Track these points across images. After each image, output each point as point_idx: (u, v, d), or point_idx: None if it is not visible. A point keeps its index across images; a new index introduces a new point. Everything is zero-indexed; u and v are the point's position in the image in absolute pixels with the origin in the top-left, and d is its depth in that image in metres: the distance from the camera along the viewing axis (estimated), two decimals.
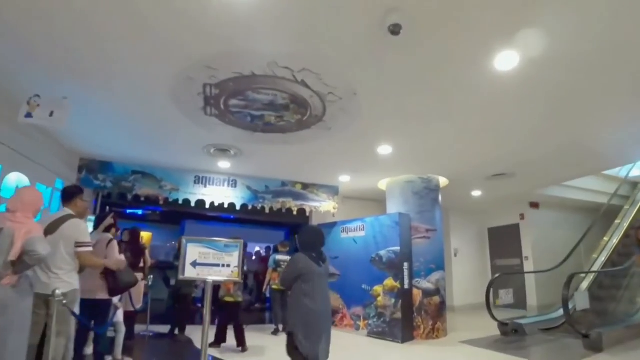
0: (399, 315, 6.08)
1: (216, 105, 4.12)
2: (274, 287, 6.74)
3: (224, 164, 6.29)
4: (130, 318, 5.34)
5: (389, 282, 6.30)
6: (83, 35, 2.98)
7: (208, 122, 4.55)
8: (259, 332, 6.71)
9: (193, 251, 3.07)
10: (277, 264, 6.79)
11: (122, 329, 4.54)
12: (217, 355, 5.08)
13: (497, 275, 6.67)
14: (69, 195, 3.52)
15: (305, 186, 7.30)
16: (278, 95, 3.88)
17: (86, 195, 6.22)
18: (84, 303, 3.76)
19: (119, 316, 4.51)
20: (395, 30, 2.68)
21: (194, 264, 3.06)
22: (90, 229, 4.70)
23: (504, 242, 10.44)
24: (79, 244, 3.22)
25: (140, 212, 12.19)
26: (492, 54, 3.13)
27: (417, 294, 6.32)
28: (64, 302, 3.05)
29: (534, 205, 9.99)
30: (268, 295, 7.76)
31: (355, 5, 2.58)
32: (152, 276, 6.22)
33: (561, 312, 7.01)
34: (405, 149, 5.47)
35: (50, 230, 3.22)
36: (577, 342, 5.66)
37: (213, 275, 3.06)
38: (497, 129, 4.75)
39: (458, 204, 9.79)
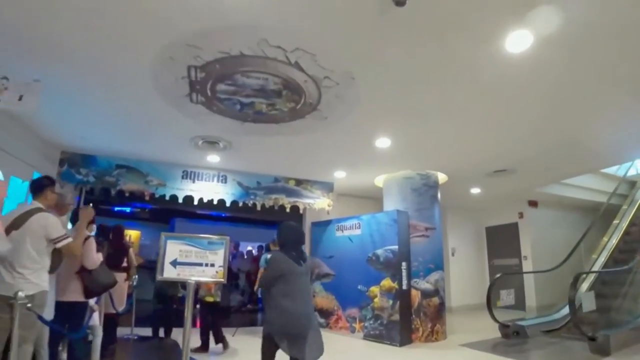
0: (396, 317, 5.79)
1: (202, 91, 3.80)
2: None
3: (213, 158, 5.96)
4: (112, 321, 5.02)
5: (387, 282, 6.01)
6: (54, 11, 2.65)
7: (194, 110, 4.23)
8: (250, 335, 6.42)
9: (173, 249, 2.75)
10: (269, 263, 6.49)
11: (99, 333, 4.22)
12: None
13: (498, 275, 6.42)
14: (38, 187, 3.21)
15: (298, 182, 6.99)
16: (269, 79, 3.57)
17: (67, 191, 5.96)
18: (57, 305, 3.47)
19: (95, 319, 4.18)
20: (400, 0, 2.38)
21: (174, 263, 2.75)
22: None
23: (502, 241, 10.23)
24: (55, 240, 2.94)
25: (128, 209, 11.84)
26: (504, 33, 2.86)
27: (415, 295, 6.04)
28: (28, 305, 2.74)
29: (533, 203, 9.80)
30: (260, 295, 7.45)
31: None
32: (136, 276, 5.89)
33: (563, 313, 6.86)
34: (405, 142, 5.19)
35: (15, 225, 2.92)
36: (581, 345, 5.43)
37: (196, 276, 2.75)
38: (501, 120, 4.51)
39: (456, 202, 9.53)
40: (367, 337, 6.15)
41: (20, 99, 3.50)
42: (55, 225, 3.01)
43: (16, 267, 2.80)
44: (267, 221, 10.10)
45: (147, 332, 5.98)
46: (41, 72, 3.49)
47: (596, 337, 5.11)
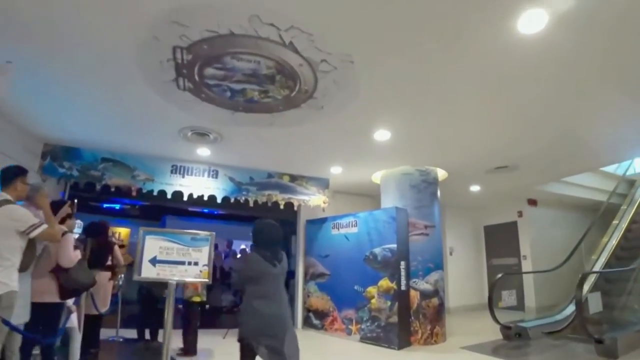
0: (395, 319, 5.54)
1: (189, 75, 3.52)
2: None
3: (203, 151, 5.67)
4: (94, 323, 4.72)
5: (384, 282, 5.76)
6: None
7: (182, 98, 3.94)
8: None
9: (152, 245, 2.48)
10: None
11: (77, 336, 3.94)
12: None
13: (500, 275, 6.19)
14: (6, 177, 2.94)
15: (293, 178, 6.71)
16: (262, 62, 3.30)
17: (50, 185, 5.65)
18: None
19: (73, 321, 3.88)
20: None
21: (154, 261, 2.47)
22: None
23: (500, 240, 10.03)
24: (28, 230, 2.69)
25: (117, 206, 11.49)
26: (518, 12, 2.61)
27: (414, 296, 5.80)
28: None
29: (532, 202, 9.61)
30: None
31: None
32: (122, 276, 5.60)
33: (565, 313, 6.66)
34: (405, 135, 4.94)
35: None
36: (586, 347, 5.26)
37: (177, 276, 2.47)
38: (506, 112, 4.30)
39: (454, 200, 9.30)
40: (364, 339, 5.89)
41: None
42: (24, 215, 2.74)
43: None
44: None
45: (133, 334, 5.69)
46: (13, 53, 3.21)
47: (603, 340, 4.90)
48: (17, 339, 3.18)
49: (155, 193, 5.96)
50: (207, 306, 7.38)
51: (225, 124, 4.61)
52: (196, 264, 2.52)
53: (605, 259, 7.80)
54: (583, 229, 8.49)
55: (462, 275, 9.80)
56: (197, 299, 4.85)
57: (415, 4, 2.54)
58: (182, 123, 4.66)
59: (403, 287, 5.69)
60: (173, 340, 5.07)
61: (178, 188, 6.03)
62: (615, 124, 4.61)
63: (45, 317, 3.32)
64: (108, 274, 4.89)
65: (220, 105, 4.09)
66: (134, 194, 5.94)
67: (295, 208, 6.82)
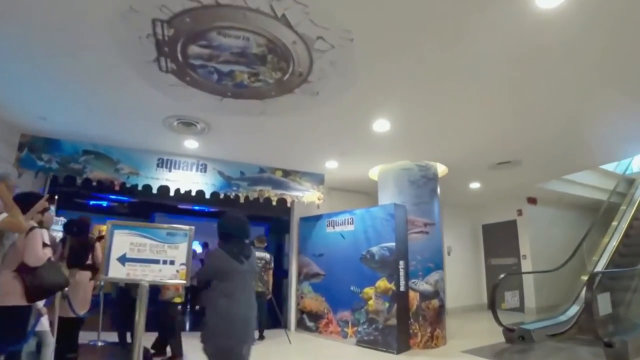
0: (393, 321, 5.24)
1: (172, 54, 3.19)
2: None
3: (190, 144, 5.33)
4: (71, 326, 4.39)
5: (382, 283, 5.46)
6: None
7: (165, 81, 3.61)
8: None
9: (122, 241, 2.15)
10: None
11: (50, 341, 3.59)
12: None
13: (502, 275, 5.91)
14: None
15: (286, 173, 6.39)
16: (251, 39, 2.98)
17: (28, 179, 5.29)
18: None
19: (44, 324, 3.54)
20: None
21: (123, 260, 2.14)
22: None
23: (499, 239, 9.79)
24: None
25: (105, 203, 11.07)
26: None
27: (413, 297, 5.50)
28: None
29: (532, 200, 9.39)
30: None
31: None
32: None
33: (569, 314, 6.42)
34: (405, 126, 4.64)
35: None
36: (593, 350, 5.03)
37: (150, 276, 2.15)
38: (513, 103, 4.07)
39: (452, 198, 9.02)
40: (361, 343, 5.59)
41: None
42: None
43: None
44: (255, 217, 9.47)
45: (116, 337, 5.34)
46: None
47: (613, 343, 4.63)
48: None
49: (140, 188, 5.60)
50: (198, 307, 7.07)
51: (212, 112, 4.27)
52: (172, 262, 2.19)
53: (606, 260, 7.59)
54: (583, 228, 8.33)
55: (460, 276, 9.53)
56: (178, 299, 4.56)
57: None
58: (167, 111, 4.32)
59: (402, 288, 5.39)
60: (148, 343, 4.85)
61: (164, 183, 5.68)
62: (617, 121, 4.53)
63: (9, 321, 2.98)
64: (88, 273, 4.57)
65: (207, 90, 3.75)
66: (117, 188, 5.59)
67: (289, 204, 6.49)
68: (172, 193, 5.72)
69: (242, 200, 5.97)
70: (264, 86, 3.62)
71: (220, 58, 3.22)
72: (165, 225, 2.29)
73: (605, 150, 5.81)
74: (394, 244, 5.47)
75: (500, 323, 5.66)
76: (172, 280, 2.21)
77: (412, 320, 5.43)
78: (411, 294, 5.51)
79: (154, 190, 5.64)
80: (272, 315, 6.44)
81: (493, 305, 5.65)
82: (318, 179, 6.64)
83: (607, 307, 5.09)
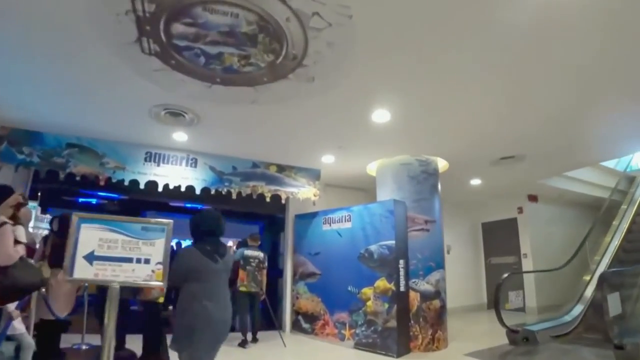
0: (393, 323, 4.99)
1: (154, 34, 2.91)
2: (241, 289, 5.57)
3: (179, 136, 5.06)
4: (52, 329, 4.14)
5: (381, 283, 5.21)
6: None
7: (149, 66, 3.33)
8: (224, 342, 5.56)
9: (89, 236, 1.88)
10: (246, 260, 5.63)
11: (29, 343, 3.36)
12: None
13: (506, 274, 5.68)
14: None
15: (281, 168, 6.12)
16: (241, 16, 2.71)
17: (6, 175, 5.00)
18: None
19: (18, 327, 3.27)
20: None
21: (90, 258, 1.87)
22: None
23: (499, 238, 9.58)
24: None
25: (94, 201, 10.75)
26: None
27: (413, 298, 5.26)
28: None
29: (533, 198, 9.19)
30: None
31: None
32: None
33: (573, 314, 6.23)
34: (406, 117, 4.39)
35: None
36: (601, 352, 4.82)
37: (122, 277, 1.88)
38: (520, 93, 3.85)
39: (450, 196, 8.75)
40: (359, 345, 5.33)
41: None
42: None
43: None
44: (250, 215, 9.19)
45: (100, 340, 5.07)
46: None
47: (624, 345, 4.41)
48: None
49: (126, 183, 5.32)
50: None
51: (201, 101, 3.99)
52: (147, 261, 1.92)
53: (609, 259, 7.39)
54: (583, 226, 8.17)
55: (459, 275, 9.28)
56: (161, 299, 4.32)
57: None
58: (153, 99, 4.04)
59: (402, 288, 5.14)
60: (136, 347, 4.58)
61: (152, 178, 5.40)
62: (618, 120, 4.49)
63: None
64: None
65: (194, 76, 3.48)
66: (102, 183, 5.29)
67: (283, 201, 6.22)
68: (160, 189, 5.43)
69: (234, 196, 5.70)
70: (256, 71, 3.35)
71: (207, 38, 2.95)
72: (140, 219, 2.03)
73: (606, 147, 5.72)
74: (393, 242, 5.22)
75: (504, 324, 5.42)
76: (146, 282, 1.94)
77: (412, 322, 5.18)
78: (411, 294, 5.26)
79: (142, 186, 5.35)
80: (266, 317, 6.18)
81: (497, 305, 5.42)
82: (314, 175, 6.37)
83: (617, 308, 4.87)
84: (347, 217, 5.98)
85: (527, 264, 8.76)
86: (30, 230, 5.48)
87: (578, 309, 6.32)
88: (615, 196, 8.85)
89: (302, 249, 6.67)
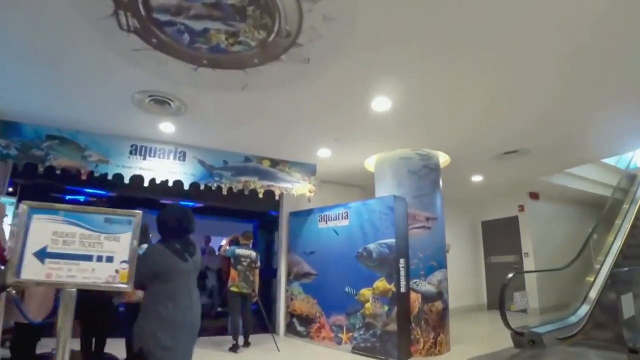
0: (393, 326, 4.70)
1: (133, 6, 2.61)
2: (232, 289, 5.27)
3: (166, 127, 4.74)
4: (26, 334, 3.83)
5: (381, 284, 4.92)
6: None
7: (128, 45, 3.02)
8: (214, 347, 5.28)
9: (41, 230, 1.57)
10: (237, 260, 5.33)
11: None
12: None
13: (511, 275, 5.39)
14: None
15: (274, 163, 5.81)
16: None
17: None
18: None
19: None
20: None
21: (42, 255, 1.56)
22: None
23: (500, 236, 9.35)
24: None
25: (82, 198, 10.40)
26: None
27: (415, 299, 4.98)
28: None
29: (534, 196, 8.96)
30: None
31: None
32: None
33: (579, 315, 5.98)
34: (408, 106, 4.10)
35: None
36: (611, 356, 4.64)
37: (79, 278, 1.57)
38: (528, 85, 3.66)
39: (450, 193, 8.44)
40: (357, 350, 5.04)
41: None
42: None
43: None
44: (244, 213, 8.88)
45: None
46: None
47: (638, 349, 4.16)
48: None
49: (110, 177, 5.00)
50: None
51: (188, 86, 3.68)
52: (110, 260, 1.62)
53: (613, 259, 7.17)
54: (584, 225, 8.04)
55: (459, 275, 9.00)
56: (138, 300, 4.01)
57: None
58: (135, 85, 3.73)
59: (403, 289, 4.86)
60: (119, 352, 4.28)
61: (138, 172, 5.08)
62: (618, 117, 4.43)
63: None
64: None
65: (178, 57, 3.17)
66: (83, 177, 4.97)
67: (277, 198, 5.92)
68: (146, 184, 5.12)
69: (225, 192, 5.39)
70: (245, 51, 3.05)
71: (191, 11, 2.64)
72: (103, 209, 1.72)
73: (607, 144, 5.62)
74: (393, 240, 4.94)
75: (509, 326, 5.15)
76: (109, 285, 1.64)
77: (413, 325, 4.90)
78: (412, 295, 4.98)
79: (126, 180, 5.04)
80: (259, 319, 5.88)
81: (502, 306, 5.14)
82: (310, 170, 6.07)
83: (631, 310, 4.62)
84: (344, 215, 5.69)
85: (528, 264, 8.54)
86: (6, 227, 5.15)
87: (584, 310, 6.08)
88: (617, 195, 8.65)
89: (297, 248, 6.37)
